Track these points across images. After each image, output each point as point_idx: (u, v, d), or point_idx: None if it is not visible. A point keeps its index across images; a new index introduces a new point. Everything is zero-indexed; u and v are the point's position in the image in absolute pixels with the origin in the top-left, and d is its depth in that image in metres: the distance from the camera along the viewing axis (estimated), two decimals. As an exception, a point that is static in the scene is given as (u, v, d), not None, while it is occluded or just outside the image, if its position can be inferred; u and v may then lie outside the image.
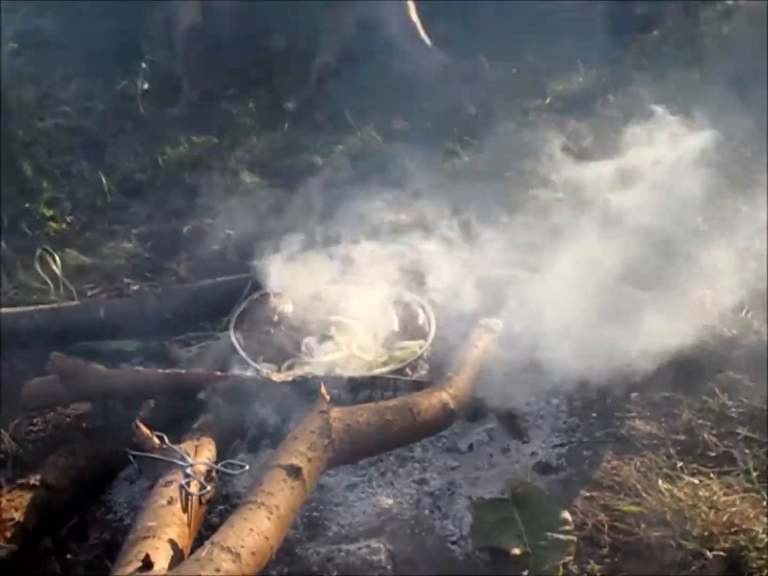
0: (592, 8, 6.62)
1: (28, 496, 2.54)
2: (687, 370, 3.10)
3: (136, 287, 3.55)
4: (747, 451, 2.79)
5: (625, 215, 3.85)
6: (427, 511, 2.61)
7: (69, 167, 4.14)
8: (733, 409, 2.95)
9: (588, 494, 2.65)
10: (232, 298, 3.18)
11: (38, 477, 2.60)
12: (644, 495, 2.62)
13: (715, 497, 2.60)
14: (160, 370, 2.92)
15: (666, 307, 3.34)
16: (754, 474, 2.68)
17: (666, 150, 4.13)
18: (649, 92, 5.36)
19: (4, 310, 3.32)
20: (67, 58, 5.10)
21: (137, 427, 2.53)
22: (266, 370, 2.84)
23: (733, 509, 2.56)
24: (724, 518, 2.53)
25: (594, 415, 2.95)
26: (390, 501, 2.63)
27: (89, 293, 3.53)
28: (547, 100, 5.64)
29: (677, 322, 3.22)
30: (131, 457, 2.62)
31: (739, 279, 3.54)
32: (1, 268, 3.58)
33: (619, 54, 6.28)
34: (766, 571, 2.39)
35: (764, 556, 2.42)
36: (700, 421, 2.91)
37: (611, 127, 4.93)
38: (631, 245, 3.64)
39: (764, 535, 2.47)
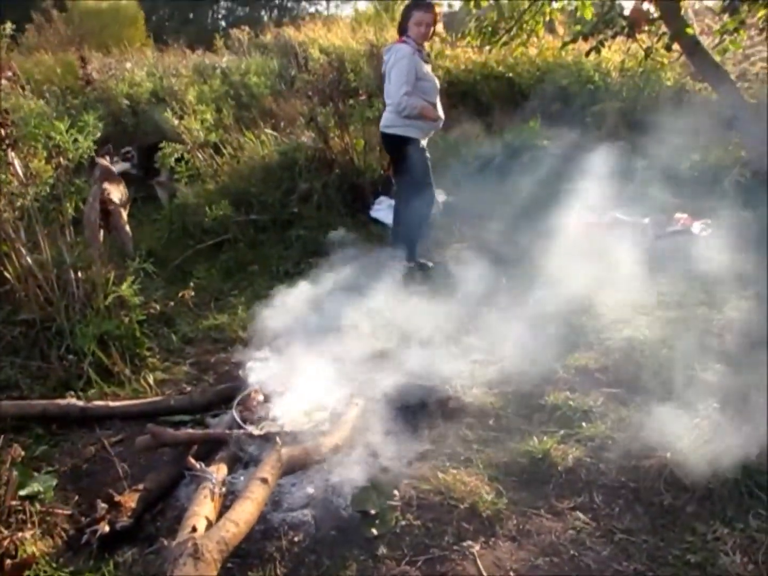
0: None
1: (137, 495, 2.55)
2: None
3: (189, 389, 3.49)
4: (479, 456, 2.81)
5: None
6: (330, 493, 2.62)
7: (158, 332, 3.96)
8: (470, 436, 2.95)
9: (406, 482, 2.67)
10: (234, 393, 3.16)
11: (142, 485, 2.63)
12: (432, 481, 2.66)
13: (461, 473, 2.67)
14: (200, 431, 2.94)
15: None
16: (482, 466, 2.74)
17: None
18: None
19: (124, 402, 3.28)
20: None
21: (189, 460, 2.60)
22: (251, 429, 2.84)
23: (473, 483, 2.62)
24: (468, 488, 2.60)
25: (408, 444, 2.91)
26: (312, 490, 2.64)
27: (167, 393, 3.47)
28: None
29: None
30: (187, 474, 2.65)
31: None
32: (126, 382, 3.51)
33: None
34: (488, 511, 2.48)
35: (488, 504, 2.51)
36: (457, 441, 2.92)
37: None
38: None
39: (486, 495, 2.56)
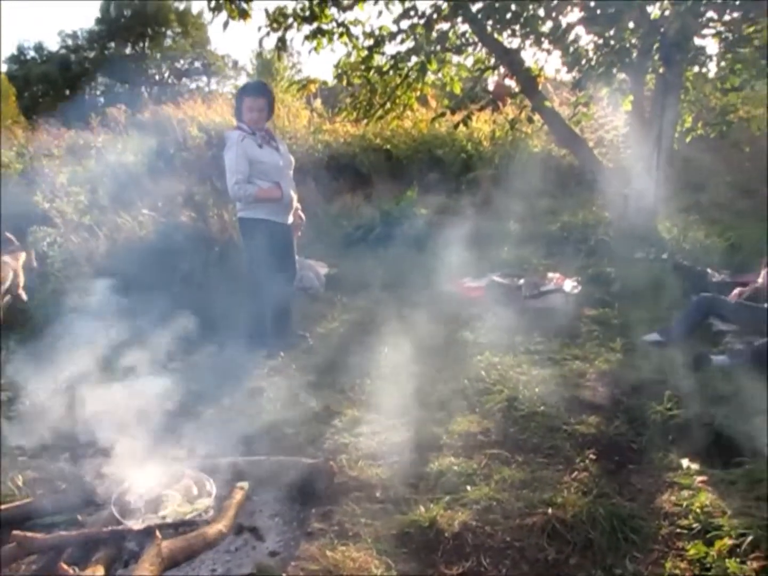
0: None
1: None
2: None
3: (63, 486, 3.30)
4: (367, 530, 2.77)
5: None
6: (217, 586, 2.51)
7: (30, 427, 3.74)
8: (358, 510, 2.90)
9: (294, 564, 2.61)
10: (114, 487, 3.01)
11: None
12: (320, 560, 2.60)
13: (349, 550, 2.62)
14: (75, 532, 2.74)
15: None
16: (370, 541, 2.70)
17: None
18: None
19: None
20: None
21: (61, 565, 2.46)
22: (130, 524, 2.71)
23: (361, 559, 2.58)
24: (357, 564, 2.55)
25: (295, 524, 2.87)
26: (197, 583, 2.53)
27: (39, 493, 3.24)
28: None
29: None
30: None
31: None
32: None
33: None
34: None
35: None
36: (344, 517, 2.88)
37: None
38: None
39: (375, 570, 2.52)
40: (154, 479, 2.95)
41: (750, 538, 2.50)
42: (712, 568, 2.44)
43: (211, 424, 3.43)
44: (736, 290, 4.81)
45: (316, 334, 5.18)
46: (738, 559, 2.43)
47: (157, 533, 2.51)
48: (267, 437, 3.43)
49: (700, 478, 3.01)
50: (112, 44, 39.20)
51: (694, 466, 3.13)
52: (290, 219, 4.91)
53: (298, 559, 2.66)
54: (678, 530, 2.69)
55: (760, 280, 4.68)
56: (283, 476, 3.08)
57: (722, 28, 6.96)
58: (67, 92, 36.19)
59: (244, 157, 4.56)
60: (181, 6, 39.63)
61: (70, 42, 39.23)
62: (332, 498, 3.03)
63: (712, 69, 7.87)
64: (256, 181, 4.63)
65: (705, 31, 7.00)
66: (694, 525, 2.68)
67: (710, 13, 6.76)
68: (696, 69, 7.66)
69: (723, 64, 7.69)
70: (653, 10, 6.97)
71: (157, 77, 40.87)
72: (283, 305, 4.89)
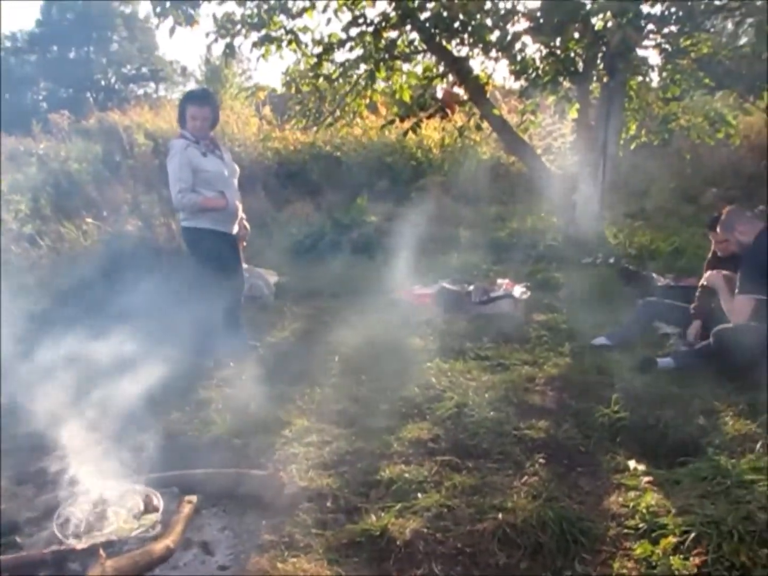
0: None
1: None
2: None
3: (2, 507, 3.15)
4: (318, 540, 2.73)
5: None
6: (165, 602, 2.46)
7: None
8: (309, 520, 2.86)
9: (244, 579, 2.59)
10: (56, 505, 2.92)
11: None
12: (271, 572, 2.55)
13: (300, 561, 2.58)
14: (10, 556, 2.65)
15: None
16: (321, 551, 2.66)
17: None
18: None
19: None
20: None
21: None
22: (72, 543, 2.64)
23: (312, 570, 2.54)
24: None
25: (245, 536, 2.81)
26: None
27: None
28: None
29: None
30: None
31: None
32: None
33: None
34: None
35: None
36: (295, 528, 2.83)
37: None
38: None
39: None
40: (98, 495, 2.87)
41: (693, 535, 2.56)
42: (657, 566, 2.50)
43: (158, 437, 3.35)
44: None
45: (265, 343, 5.15)
46: (682, 556, 2.50)
47: (101, 552, 2.45)
48: (216, 449, 3.37)
49: (646, 479, 3.07)
50: (55, 47, 38.36)
51: (641, 467, 3.20)
52: (235, 228, 4.90)
53: (249, 572, 2.61)
54: (625, 530, 2.73)
55: (704, 282, 4.74)
56: (232, 488, 3.04)
57: (662, 40, 7.19)
58: (7, 96, 35.21)
59: (188, 165, 4.55)
60: (128, 10, 39.05)
61: (9, 44, 38.27)
62: (283, 509, 2.98)
63: (654, 79, 8.16)
64: (200, 190, 4.61)
65: (646, 43, 7.24)
66: (641, 525, 2.73)
67: (650, 26, 7.00)
68: (639, 78, 7.91)
69: (664, 74, 7.96)
70: (596, 22, 7.16)
71: (102, 82, 40.11)
72: (231, 314, 4.85)
